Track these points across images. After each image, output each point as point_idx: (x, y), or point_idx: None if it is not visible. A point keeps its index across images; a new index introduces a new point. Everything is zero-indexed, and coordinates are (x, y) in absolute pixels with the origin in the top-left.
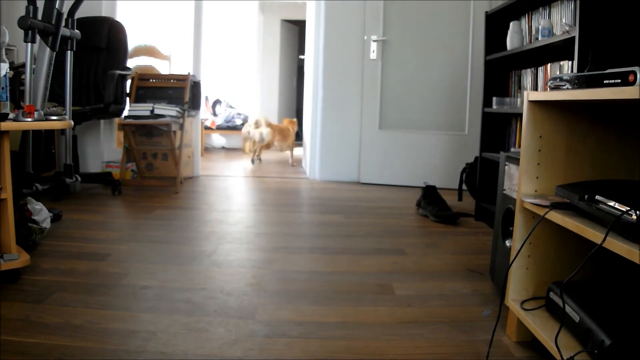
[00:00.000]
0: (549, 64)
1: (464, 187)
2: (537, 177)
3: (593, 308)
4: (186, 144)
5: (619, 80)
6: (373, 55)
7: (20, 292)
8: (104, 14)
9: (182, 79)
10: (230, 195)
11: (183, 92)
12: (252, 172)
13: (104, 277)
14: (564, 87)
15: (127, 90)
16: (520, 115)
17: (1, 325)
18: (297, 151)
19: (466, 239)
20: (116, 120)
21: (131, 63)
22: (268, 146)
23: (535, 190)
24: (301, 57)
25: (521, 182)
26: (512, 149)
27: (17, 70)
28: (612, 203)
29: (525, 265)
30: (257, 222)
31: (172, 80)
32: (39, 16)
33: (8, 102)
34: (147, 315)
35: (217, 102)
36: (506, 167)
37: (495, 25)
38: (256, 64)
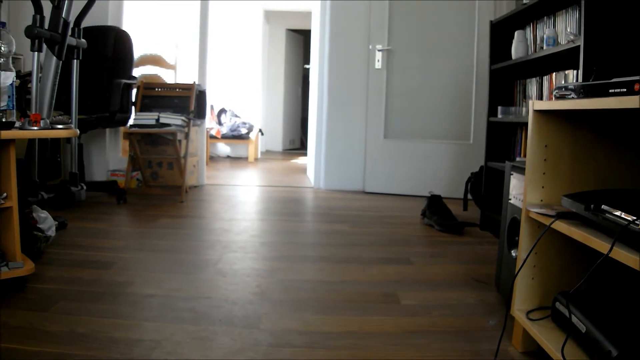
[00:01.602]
0: (554, 73)
1: (469, 196)
2: (542, 187)
3: (600, 318)
4: (191, 152)
5: (625, 89)
6: (378, 65)
7: (25, 300)
8: (110, 23)
9: (187, 88)
10: (235, 204)
11: (188, 101)
12: (257, 181)
13: (109, 285)
14: (569, 97)
15: (133, 99)
16: (526, 124)
17: (6, 333)
18: (302, 160)
19: (471, 248)
20: (122, 129)
21: (137, 72)
22: None
23: (541, 200)
24: (306, 66)
25: (527, 191)
26: (518, 159)
27: (24, 79)
28: (618, 213)
29: (531, 275)
30: (262, 231)
31: (177, 89)
32: (46, 25)
33: (14, 110)
34: (151, 324)
35: (222, 111)
36: (512, 176)
37: (500, 34)
38: (261, 74)
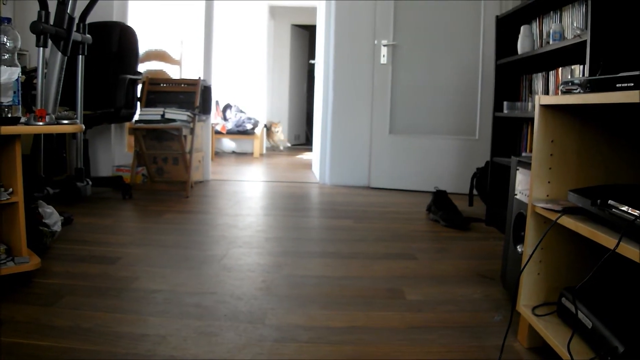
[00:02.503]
0: (560, 68)
1: (475, 192)
2: (548, 182)
3: (606, 314)
4: (197, 148)
5: (632, 84)
6: (383, 60)
7: (30, 295)
8: (115, 19)
9: (192, 83)
10: (240, 199)
11: (194, 96)
12: (262, 176)
13: (114, 280)
14: (575, 91)
15: (138, 95)
16: (532, 119)
17: (11, 328)
18: (307, 156)
19: (477, 244)
20: (127, 124)
21: (142, 67)
22: None
23: (547, 195)
24: (311, 61)
25: (533, 186)
26: (524, 154)
27: (29, 74)
28: (625, 208)
29: (536, 270)
30: (267, 226)
31: (182, 85)
32: (51, 21)
33: (20, 106)
34: (157, 319)
35: (227, 107)
36: (517, 171)
37: (506, 29)
38: (266, 69)
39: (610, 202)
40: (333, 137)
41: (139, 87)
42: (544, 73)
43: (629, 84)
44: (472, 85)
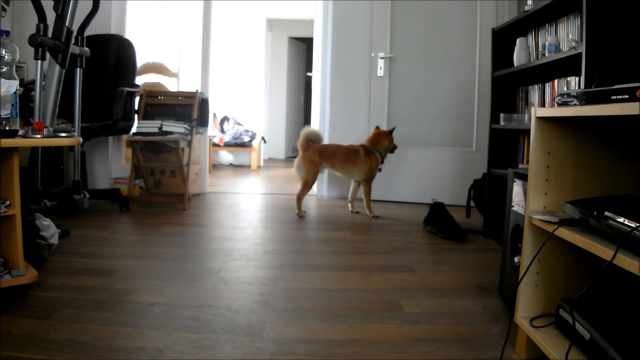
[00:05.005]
0: (556, 80)
1: (472, 203)
2: (545, 194)
3: (603, 325)
4: (194, 160)
5: (627, 96)
6: (380, 72)
7: (27, 308)
8: (112, 32)
9: (190, 96)
10: (237, 212)
11: (191, 109)
12: (259, 189)
13: (111, 293)
14: (571, 103)
15: (136, 107)
16: (528, 131)
17: (8, 341)
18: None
19: (474, 255)
20: (124, 137)
21: (140, 80)
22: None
23: (544, 207)
24: (309, 74)
25: (530, 198)
26: (520, 166)
27: (27, 87)
28: (621, 219)
29: (534, 282)
30: (265, 239)
31: (180, 98)
32: (49, 34)
33: (18, 118)
34: (154, 332)
35: (225, 119)
36: (514, 183)
37: (502, 41)
38: (264, 81)
39: (606, 213)
40: None
41: (137, 99)
42: (540, 85)
43: (623, 96)
44: (469, 97)
